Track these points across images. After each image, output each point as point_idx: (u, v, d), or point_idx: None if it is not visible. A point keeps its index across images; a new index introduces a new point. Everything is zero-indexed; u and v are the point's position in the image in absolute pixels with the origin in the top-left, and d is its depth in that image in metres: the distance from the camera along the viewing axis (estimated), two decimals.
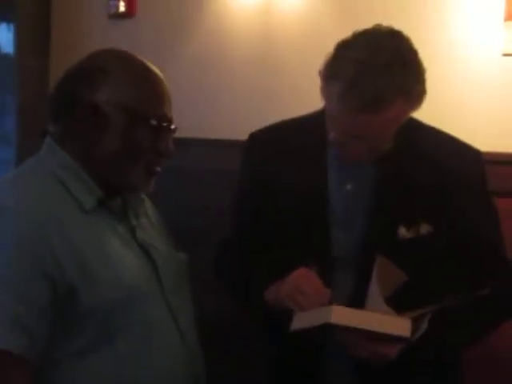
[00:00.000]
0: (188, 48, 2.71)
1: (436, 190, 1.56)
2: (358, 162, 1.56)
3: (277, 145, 1.67)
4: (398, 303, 1.46)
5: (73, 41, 2.80)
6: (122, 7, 2.69)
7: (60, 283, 1.31)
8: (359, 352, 1.48)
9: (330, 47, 1.49)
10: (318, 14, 2.48)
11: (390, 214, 1.56)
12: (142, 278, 1.44)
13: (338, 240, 1.60)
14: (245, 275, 1.68)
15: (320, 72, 1.49)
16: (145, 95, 1.43)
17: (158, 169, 1.47)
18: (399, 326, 1.43)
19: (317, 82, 1.51)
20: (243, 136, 1.78)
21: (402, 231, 1.55)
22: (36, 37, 2.74)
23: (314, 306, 1.47)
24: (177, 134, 1.49)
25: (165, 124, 1.44)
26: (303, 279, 1.51)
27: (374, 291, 1.49)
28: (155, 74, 1.46)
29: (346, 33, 1.50)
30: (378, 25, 1.50)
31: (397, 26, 1.51)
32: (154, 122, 1.42)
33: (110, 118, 1.40)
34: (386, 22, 1.51)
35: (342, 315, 1.41)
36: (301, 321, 1.47)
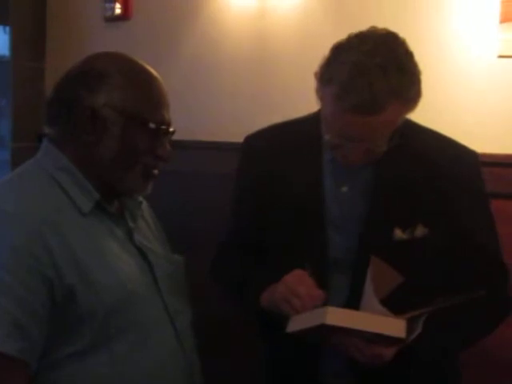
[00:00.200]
0: (183, 51, 2.72)
1: (432, 192, 1.56)
2: (354, 164, 1.56)
3: (272, 147, 1.67)
4: (393, 304, 1.46)
5: (68, 43, 2.80)
6: (117, 10, 2.70)
7: (58, 286, 1.31)
8: (354, 353, 1.48)
9: (325, 50, 1.50)
10: (312, 18, 2.49)
11: (385, 216, 1.56)
12: (139, 280, 1.44)
13: (334, 242, 1.60)
14: (241, 278, 1.68)
15: (315, 74, 1.49)
16: (143, 99, 1.43)
17: (156, 172, 1.47)
18: (394, 326, 1.43)
19: (312, 86, 1.51)
20: (239, 138, 1.78)
21: (398, 233, 1.55)
22: (32, 39, 2.74)
23: (309, 308, 1.47)
24: (173, 137, 1.49)
25: (163, 127, 1.45)
26: (297, 282, 1.51)
27: (369, 292, 1.49)
28: (154, 77, 1.46)
29: (341, 36, 1.50)
30: (374, 27, 1.50)
31: (392, 28, 1.51)
32: (152, 126, 1.42)
33: (108, 122, 1.40)
34: (381, 24, 1.51)
35: (336, 316, 1.42)
36: (297, 323, 1.48)
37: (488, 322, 1.61)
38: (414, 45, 1.50)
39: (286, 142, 1.66)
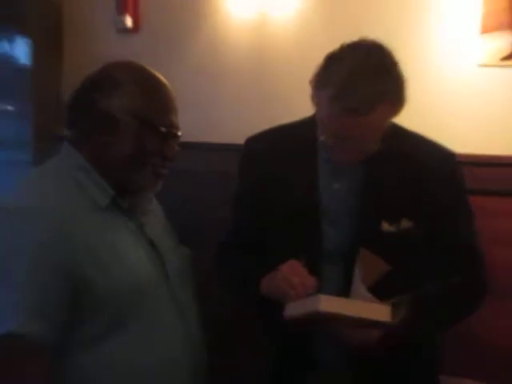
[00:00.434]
0: (188, 60, 2.72)
1: (414, 187, 1.62)
2: (348, 162, 1.60)
3: (272, 148, 1.71)
4: (380, 291, 1.52)
5: (83, 53, 2.83)
6: (128, 22, 2.76)
7: (77, 275, 1.37)
8: (345, 338, 1.54)
9: (321, 60, 1.55)
10: (309, 29, 2.53)
11: (373, 210, 1.61)
12: (152, 271, 1.50)
13: (327, 235, 1.64)
14: (241, 272, 1.72)
15: (310, 82, 1.55)
16: (155, 104, 1.48)
17: (165, 171, 1.52)
18: (380, 311, 1.48)
19: (307, 91, 1.56)
20: (240, 140, 1.81)
21: (385, 226, 1.60)
22: (50, 49, 2.82)
23: (302, 296, 1.51)
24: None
25: (172, 131, 1.50)
26: (291, 271, 1.55)
27: (357, 281, 1.54)
28: (164, 85, 1.51)
29: (336, 46, 1.56)
30: (363, 38, 1.57)
31: (383, 38, 1.56)
32: (163, 130, 1.47)
33: (122, 124, 1.45)
34: (374, 35, 1.57)
35: (328, 303, 1.46)
36: (292, 309, 1.53)
37: (465, 306, 1.67)
38: (401, 54, 1.56)
39: (284, 144, 1.70)
